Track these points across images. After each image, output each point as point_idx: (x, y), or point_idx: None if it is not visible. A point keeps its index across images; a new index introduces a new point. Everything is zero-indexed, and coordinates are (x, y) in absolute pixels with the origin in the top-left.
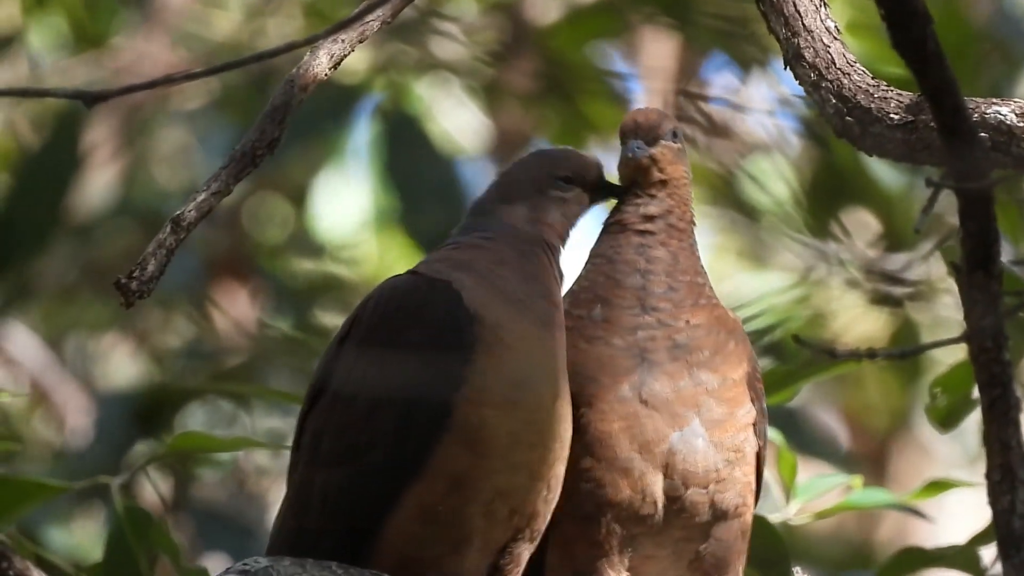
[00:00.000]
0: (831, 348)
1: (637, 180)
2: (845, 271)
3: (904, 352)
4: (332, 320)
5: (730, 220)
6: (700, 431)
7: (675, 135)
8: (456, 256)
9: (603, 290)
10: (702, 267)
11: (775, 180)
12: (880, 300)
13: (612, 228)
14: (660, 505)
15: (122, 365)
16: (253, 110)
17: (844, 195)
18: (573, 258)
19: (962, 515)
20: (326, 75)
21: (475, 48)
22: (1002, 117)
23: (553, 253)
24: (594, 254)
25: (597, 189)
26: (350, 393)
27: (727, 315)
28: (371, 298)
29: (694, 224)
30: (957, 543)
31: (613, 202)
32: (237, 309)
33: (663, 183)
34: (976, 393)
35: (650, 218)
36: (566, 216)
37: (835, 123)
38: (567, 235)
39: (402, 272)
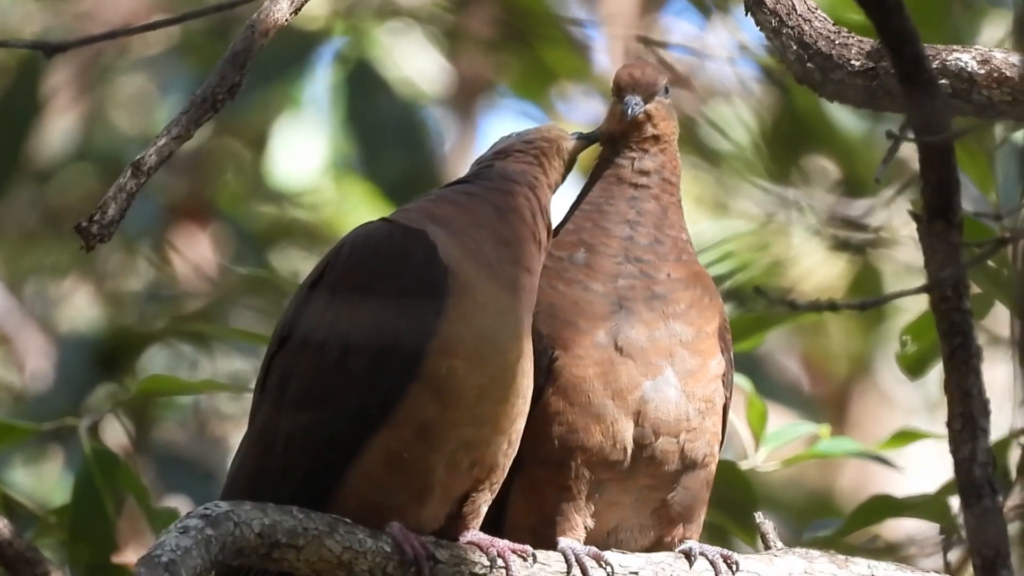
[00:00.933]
0: (792, 300)
1: (628, 133)
2: (806, 217)
3: (865, 303)
4: (292, 264)
5: (691, 166)
6: (673, 381)
7: (667, 91)
8: (433, 210)
9: (589, 236)
10: (685, 224)
11: (736, 126)
12: (841, 246)
13: (608, 179)
14: (629, 452)
15: (83, 309)
16: (214, 56)
17: (805, 142)
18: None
19: (923, 463)
20: (287, 20)
21: None
22: (963, 64)
23: (546, 215)
24: (584, 201)
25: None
26: (321, 337)
27: (704, 272)
28: (345, 243)
29: (679, 174)
30: (927, 492)
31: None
32: (197, 253)
33: (656, 138)
34: None
35: (645, 172)
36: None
37: (796, 69)
38: (556, 188)
39: (375, 219)
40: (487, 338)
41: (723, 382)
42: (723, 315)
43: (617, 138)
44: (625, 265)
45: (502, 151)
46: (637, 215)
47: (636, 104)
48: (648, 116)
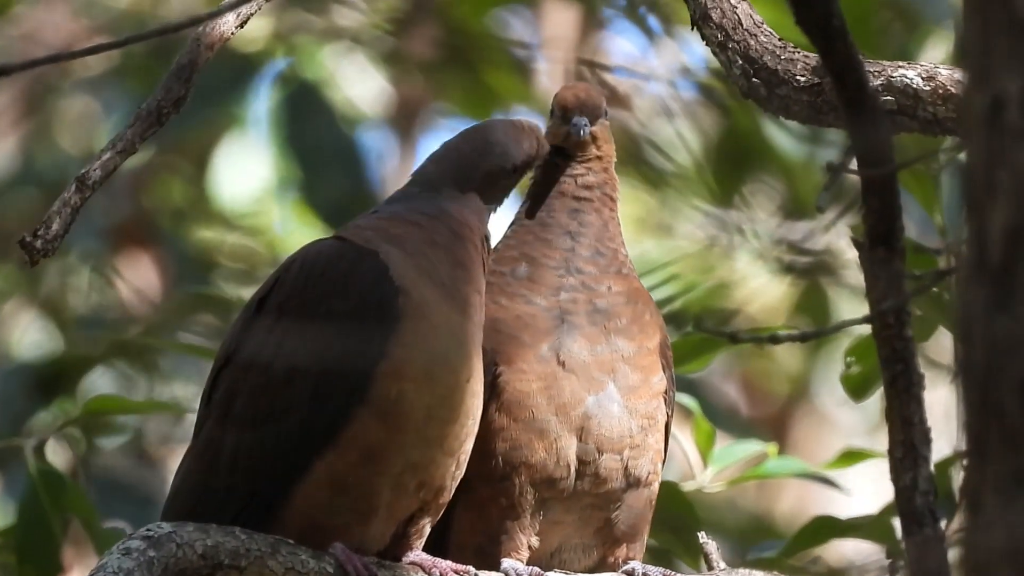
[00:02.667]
0: (732, 332)
1: (572, 153)
2: (750, 240)
3: (806, 335)
4: (234, 287)
5: (633, 187)
6: (616, 396)
7: (606, 113)
8: (388, 228)
9: (531, 249)
10: (622, 239)
11: (678, 148)
12: (785, 269)
13: (550, 195)
14: (573, 469)
15: (25, 333)
16: (155, 78)
17: (747, 163)
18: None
19: (866, 486)
20: (232, 33)
21: (376, 16)
22: (908, 81)
23: (488, 241)
24: (525, 216)
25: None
26: (269, 355)
27: (643, 289)
28: (295, 260)
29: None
30: (869, 513)
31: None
32: (140, 275)
33: (598, 159)
34: None
35: (588, 187)
36: (504, 197)
37: (741, 84)
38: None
39: (327, 237)
40: (439, 360)
41: (665, 399)
42: (663, 332)
43: (557, 158)
44: (567, 278)
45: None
46: (579, 226)
47: (584, 125)
48: (594, 137)
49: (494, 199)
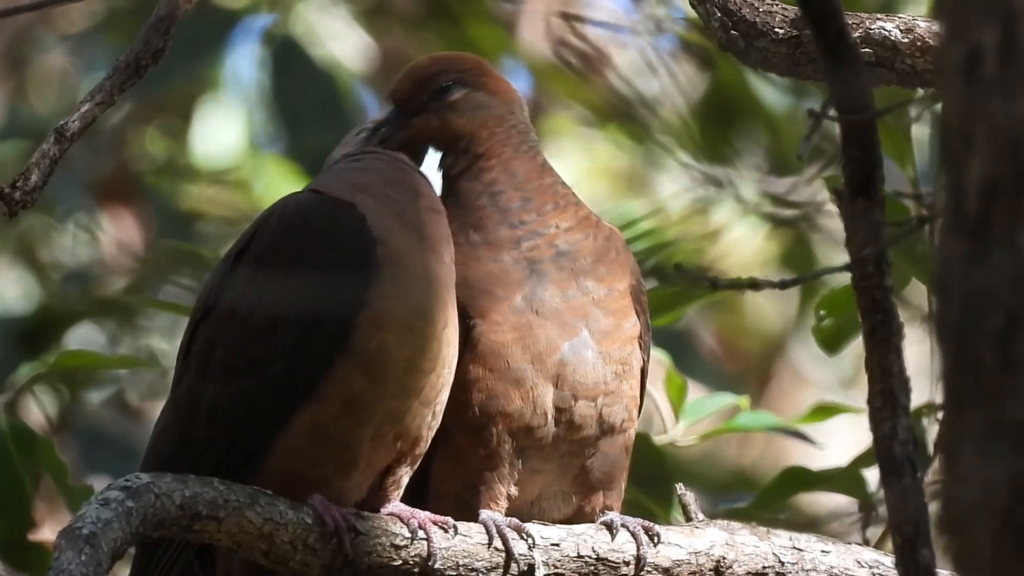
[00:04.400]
0: (712, 277)
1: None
2: (735, 193)
3: (784, 282)
4: (215, 242)
5: (616, 143)
6: (589, 342)
7: (447, 89)
8: (353, 179)
9: (469, 220)
10: (547, 168)
11: (662, 103)
12: (770, 222)
13: (457, 190)
14: (550, 417)
15: (7, 288)
16: (137, 33)
17: (732, 117)
18: None
19: (839, 440)
20: None
21: None
22: (886, 33)
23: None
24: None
25: None
26: (248, 308)
27: (594, 218)
28: (272, 213)
29: (514, 129)
30: (840, 465)
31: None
32: (122, 231)
33: (455, 139)
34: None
35: (476, 156)
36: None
37: (720, 37)
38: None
39: (301, 190)
40: (417, 309)
41: (640, 345)
42: (636, 273)
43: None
44: (516, 230)
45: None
46: (487, 186)
47: (392, 128)
48: (421, 129)
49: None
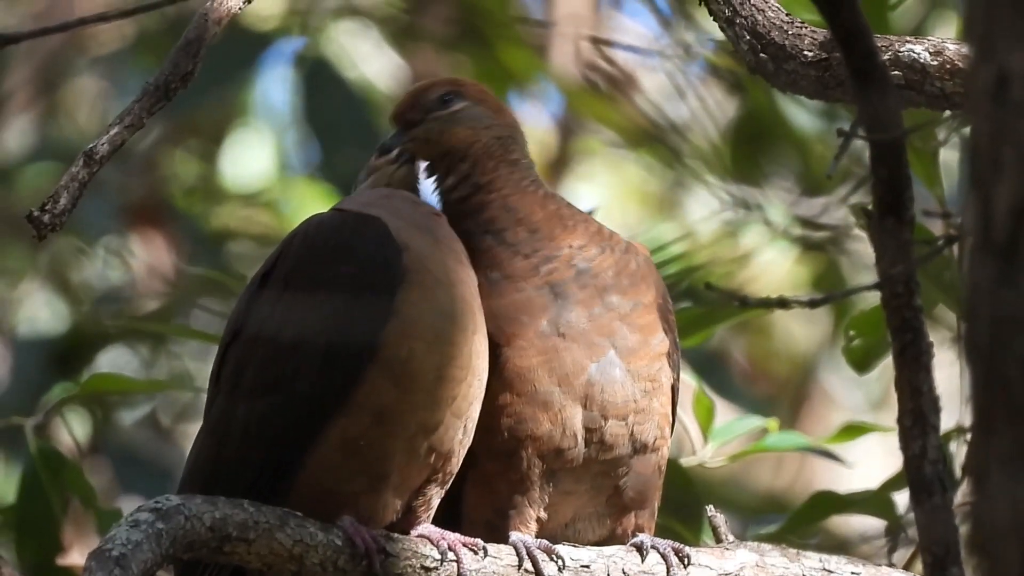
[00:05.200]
0: (742, 296)
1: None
2: (766, 216)
3: (814, 301)
4: (248, 266)
5: (647, 165)
6: (617, 361)
7: (445, 101)
8: (377, 201)
9: (481, 260)
10: (550, 196)
11: (691, 126)
12: (802, 245)
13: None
14: (580, 438)
15: (41, 311)
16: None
17: (761, 140)
18: None
19: (867, 461)
20: (240, 8)
21: None
22: (916, 56)
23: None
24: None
25: None
26: (276, 326)
27: (607, 231)
28: (297, 234)
29: (515, 162)
30: (869, 488)
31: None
32: (153, 254)
33: (447, 153)
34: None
35: (459, 186)
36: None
37: (749, 59)
38: None
39: (325, 210)
40: (446, 315)
41: (669, 362)
42: (662, 290)
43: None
44: (532, 258)
45: None
46: (489, 224)
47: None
48: (415, 142)
49: None
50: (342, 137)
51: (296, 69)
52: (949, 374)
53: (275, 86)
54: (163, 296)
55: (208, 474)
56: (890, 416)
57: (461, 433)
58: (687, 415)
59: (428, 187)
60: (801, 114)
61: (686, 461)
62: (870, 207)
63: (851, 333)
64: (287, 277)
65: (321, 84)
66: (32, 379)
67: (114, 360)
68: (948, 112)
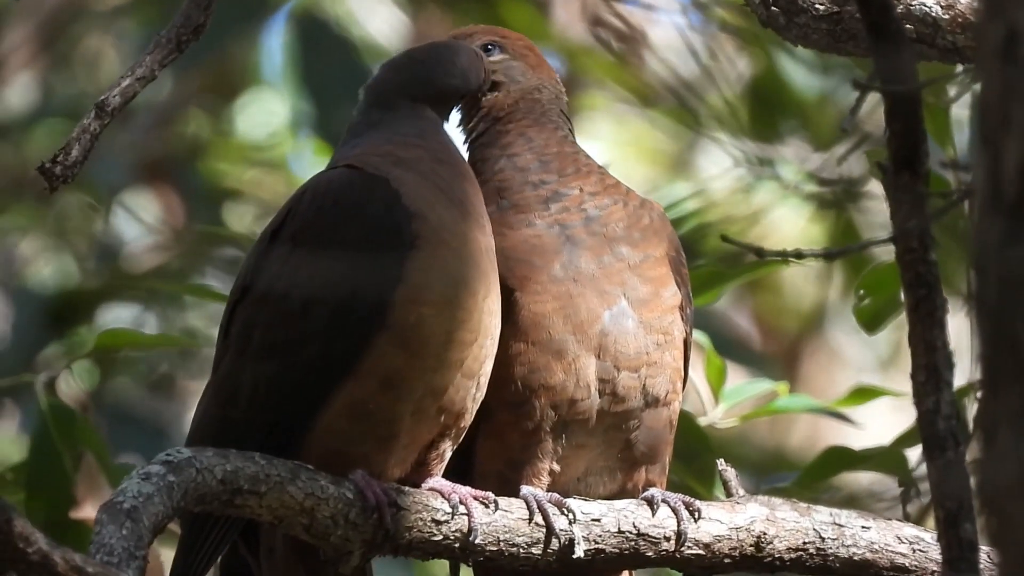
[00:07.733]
0: (758, 248)
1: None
2: (782, 174)
3: (830, 253)
4: (252, 223)
5: (656, 122)
6: (629, 311)
7: (487, 50)
8: (397, 152)
9: (493, 184)
10: (570, 141)
11: (702, 82)
12: (818, 202)
13: (479, 145)
14: (594, 389)
15: (45, 267)
16: (171, 12)
17: (776, 97)
18: None
19: (876, 421)
20: None
21: None
22: (927, 9)
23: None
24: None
25: None
26: (284, 288)
27: (624, 187)
28: (306, 191)
29: (546, 113)
30: (882, 445)
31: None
32: (162, 210)
33: (496, 85)
34: (901, 295)
35: (497, 118)
36: (448, 115)
37: (761, 13)
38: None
39: (336, 165)
40: (456, 281)
41: (682, 316)
42: (675, 243)
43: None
44: (540, 189)
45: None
46: (504, 149)
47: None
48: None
49: (442, 115)
50: (342, 96)
51: (295, 26)
52: (962, 329)
53: (277, 44)
54: (169, 253)
55: (215, 433)
56: (898, 374)
57: (474, 389)
58: (697, 376)
59: (456, 130)
60: (801, 75)
61: (697, 420)
62: (885, 160)
63: (861, 292)
64: (295, 236)
65: (322, 43)
66: (31, 335)
67: (114, 316)
68: (960, 66)
